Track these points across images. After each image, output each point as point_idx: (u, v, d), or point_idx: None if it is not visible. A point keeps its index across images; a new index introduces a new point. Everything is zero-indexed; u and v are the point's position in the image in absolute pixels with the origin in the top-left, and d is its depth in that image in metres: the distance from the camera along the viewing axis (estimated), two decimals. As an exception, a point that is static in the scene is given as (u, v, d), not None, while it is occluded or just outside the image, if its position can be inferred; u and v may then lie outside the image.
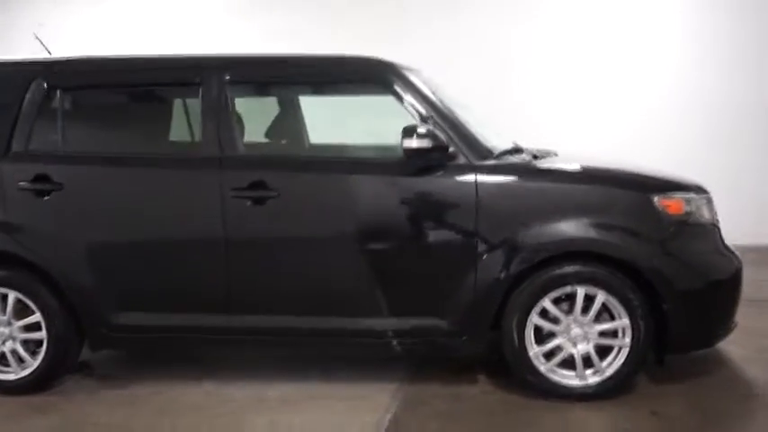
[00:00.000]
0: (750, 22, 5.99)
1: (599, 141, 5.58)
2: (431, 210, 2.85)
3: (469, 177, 2.81)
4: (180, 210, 2.95)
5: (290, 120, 3.67)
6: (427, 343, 2.94)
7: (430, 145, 2.69)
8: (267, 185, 2.85)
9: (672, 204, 2.81)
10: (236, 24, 6.61)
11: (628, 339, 2.81)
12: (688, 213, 2.85)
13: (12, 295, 3.00)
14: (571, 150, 3.38)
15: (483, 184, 2.80)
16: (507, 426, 2.70)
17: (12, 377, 3.07)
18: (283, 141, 3.72)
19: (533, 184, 2.86)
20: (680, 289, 2.77)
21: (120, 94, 3.24)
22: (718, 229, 3.00)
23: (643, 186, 2.86)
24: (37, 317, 3.01)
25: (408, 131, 2.69)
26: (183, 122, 3.23)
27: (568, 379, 2.88)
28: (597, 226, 2.78)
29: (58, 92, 3.01)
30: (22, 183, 2.94)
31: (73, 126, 3.06)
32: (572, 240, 2.78)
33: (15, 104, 2.99)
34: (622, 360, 2.83)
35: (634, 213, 2.81)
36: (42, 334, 3.02)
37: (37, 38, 3.61)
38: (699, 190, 2.96)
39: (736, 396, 2.96)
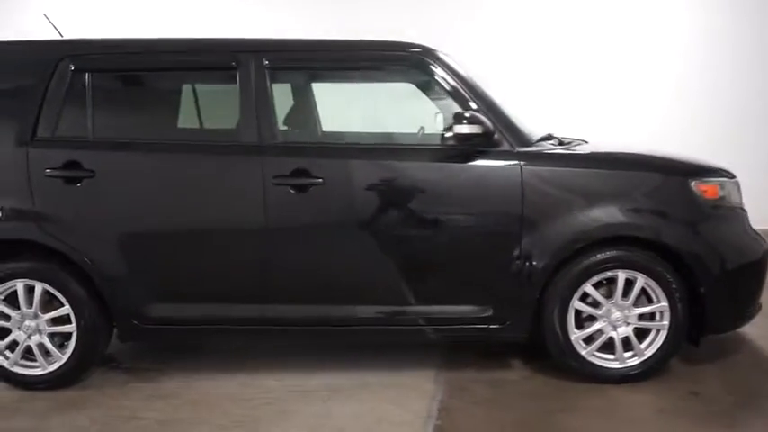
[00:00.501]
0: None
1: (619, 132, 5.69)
2: (478, 196, 2.85)
3: (514, 163, 2.82)
4: (218, 198, 2.86)
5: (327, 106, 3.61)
6: (472, 330, 2.95)
7: (480, 131, 2.70)
8: (310, 173, 2.81)
9: (708, 189, 2.88)
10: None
11: (666, 322, 2.88)
12: (722, 197, 2.92)
13: (39, 287, 2.88)
14: (600, 138, 3.41)
15: (527, 170, 2.81)
16: (554, 409, 2.73)
17: (39, 372, 2.96)
18: (323, 128, 3.66)
19: (575, 171, 2.88)
20: (716, 271, 2.84)
21: (150, 77, 3.11)
22: (746, 212, 3.09)
23: (681, 171, 2.92)
24: (66, 309, 2.90)
25: (459, 117, 2.68)
26: (217, 108, 3.15)
27: (608, 362, 2.93)
28: (638, 211, 2.83)
29: (87, 75, 2.89)
30: (49, 170, 2.83)
31: (103, 111, 2.93)
32: (615, 225, 2.81)
33: (41, 88, 2.86)
34: (660, 342, 2.90)
35: (673, 198, 2.87)
36: (71, 326, 2.92)
37: (48, 19, 3.46)
38: (730, 174, 3.04)
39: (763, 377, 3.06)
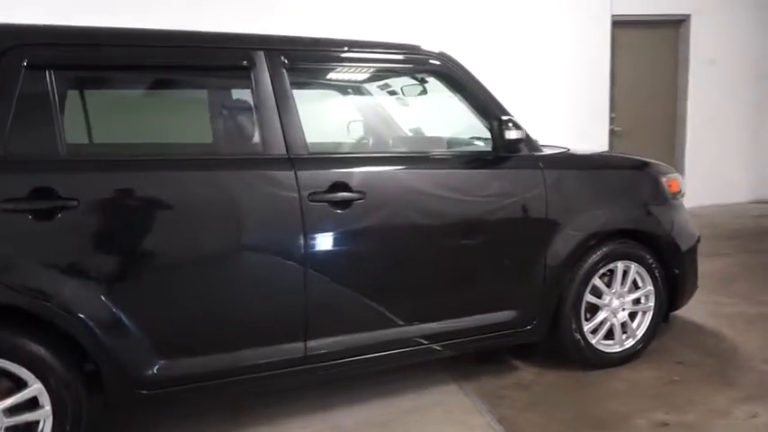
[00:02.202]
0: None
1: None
2: (514, 201, 2.83)
3: (537, 167, 2.88)
4: (247, 222, 2.38)
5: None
6: (502, 336, 2.92)
7: (523, 136, 2.69)
8: (350, 187, 2.50)
9: (672, 183, 3.30)
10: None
11: (651, 303, 3.21)
12: (680, 190, 3.37)
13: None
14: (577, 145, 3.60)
15: (547, 173, 2.90)
16: (591, 397, 2.86)
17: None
18: (351, 137, 3.25)
19: (583, 172, 3.06)
20: (682, 253, 3.27)
21: (133, 77, 2.43)
22: (682, 201, 3.61)
23: (656, 170, 3.29)
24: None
25: (507, 123, 2.65)
26: (222, 115, 2.57)
27: (611, 347, 3.17)
28: (636, 207, 3.13)
29: (49, 72, 2.16)
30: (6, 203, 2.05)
31: (71, 120, 2.22)
32: (620, 220, 3.06)
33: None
34: (647, 323, 3.23)
35: (654, 193, 3.22)
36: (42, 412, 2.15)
37: None
38: (674, 170, 3.51)
39: (727, 340, 3.55)
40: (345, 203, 2.49)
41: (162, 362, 2.31)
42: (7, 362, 2.09)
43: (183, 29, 2.40)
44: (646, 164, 3.31)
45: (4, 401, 2.11)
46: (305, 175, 2.43)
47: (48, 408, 2.16)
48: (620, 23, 7.25)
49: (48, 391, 2.15)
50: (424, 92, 2.99)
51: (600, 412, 2.73)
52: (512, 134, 2.67)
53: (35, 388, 2.13)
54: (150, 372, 2.29)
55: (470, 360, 3.24)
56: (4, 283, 2.04)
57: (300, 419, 2.71)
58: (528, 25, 7.06)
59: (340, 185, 2.48)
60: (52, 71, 2.17)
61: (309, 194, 2.42)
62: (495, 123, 2.74)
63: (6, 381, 2.12)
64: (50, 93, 2.16)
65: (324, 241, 2.48)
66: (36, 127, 2.13)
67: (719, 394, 2.85)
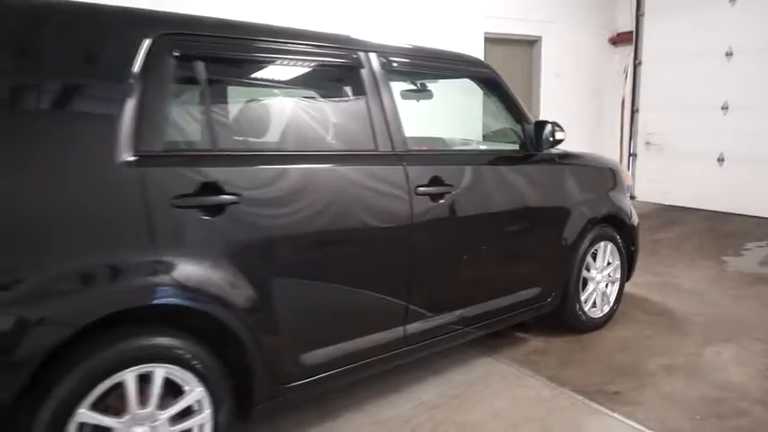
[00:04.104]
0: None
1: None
2: (544, 191, 3.33)
3: (556, 163, 3.41)
4: (360, 215, 2.48)
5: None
6: (529, 310, 3.37)
7: (565, 137, 3.18)
8: (443, 181, 2.75)
9: (626, 177, 4.06)
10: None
11: (618, 275, 3.92)
12: (629, 182, 4.14)
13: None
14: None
15: (563, 168, 3.45)
16: (603, 353, 3.44)
17: None
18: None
19: (583, 168, 3.66)
20: (636, 234, 4.04)
21: (267, 71, 2.36)
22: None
23: (617, 166, 4.00)
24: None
25: (557, 125, 3.11)
26: (335, 112, 2.59)
27: (596, 313, 3.80)
28: (614, 197, 3.80)
29: (198, 63, 2.09)
30: (188, 198, 1.97)
31: (219, 113, 2.15)
32: (607, 208, 3.70)
33: (136, 81, 1.93)
34: (616, 291, 3.93)
35: (621, 186, 3.92)
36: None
37: None
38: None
39: (659, 302, 4.38)
40: (440, 196, 2.73)
41: (302, 355, 2.35)
42: (176, 368, 2.00)
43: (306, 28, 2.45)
44: (614, 162, 4.03)
45: (169, 410, 2.01)
46: (412, 170, 2.63)
47: (208, 412, 2.10)
48: (490, 40, 8.17)
49: (210, 395, 2.09)
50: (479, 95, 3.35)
51: (616, 363, 3.32)
52: (560, 135, 3.15)
53: (198, 392, 2.06)
54: (291, 366, 2.33)
55: (485, 337, 3.64)
56: (177, 283, 1.95)
57: (385, 401, 2.88)
58: (414, 40, 7.62)
59: (436, 180, 2.72)
60: (201, 62, 2.11)
61: (416, 187, 2.63)
62: (527, 125, 3.20)
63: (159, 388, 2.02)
64: (202, 84, 2.10)
65: (425, 231, 2.70)
66: (192, 120, 2.06)
67: (686, 341, 3.63)
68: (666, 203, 8.35)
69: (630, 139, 9.16)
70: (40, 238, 1.73)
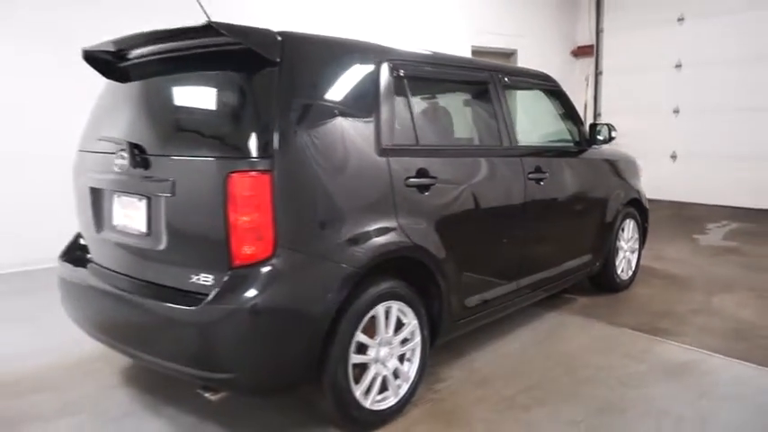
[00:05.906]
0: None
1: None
2: (595, 178, 4.27)
3: (599, 156, 4.35)
4: (503, 194, 3.34)
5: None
6: (583, 273, 4.28)
7: (616, 136, 4.10)
8: (542, 169, 3.60)
9: (641, 168, 5.05)
10: None
11: (637, 246, 4.90)
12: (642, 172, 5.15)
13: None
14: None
15: (605, 161, 4.39)
16: (638, 304, 4.37)
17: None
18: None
19: (615, 160, 4.58)
20: (647, 214, 5.04)
21: (443, 88, 3.19)
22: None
23: (635, 159, 4.98)
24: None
25: (611, 126, 4.03)
26: (474, 118, 3.43)
27: (624, 276, 4.75)
28: (636, 183, 4.77)
29: (405, 81, 2.85)
30: (411, 179, 2.73)
31: (418, 119, 2.96)
32: (633, 193, 4.66)
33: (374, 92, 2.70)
34: (636, 258, 4.91)
35: (638, 174, 4.91)
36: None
37: (200, 4, 2.87)
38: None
39: (659, 269, 5.40)
40: (540, 180, 3.59)
41: (466, 299, 3.13)
42: (404, 305, 2.74)
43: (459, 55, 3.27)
44: (633, 156, 5.02)
45: (399, 335, 2.74)
46: (526, 161, 3.47)
47: (418, 339, 2.84)
48: (476, 52, 9.15)
49: (419, 326, 2.83)
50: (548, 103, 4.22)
51: (654, 310, 4.27)
52: (615, 134, 4.07)
53: (413, 324, 2.80)
54: (461, 308, 3.10)
55: (544, 299, 4.50)
56: (408, 241, 2.70)
57: (499, 341, 3.67)
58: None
59: (538, 168, 3.58)
60: (407, 80, 2.87)
61: (527, 173, 3.47)
62: (581, 126, 4.12)
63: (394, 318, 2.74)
64: (408, 96, 2.86)
65: (532, 208, 3.56)
66: (406, 122, 2.82)
67: (695, 294, 4.65)
68: (628, 195, 9.58)
69: (593, 139, 10.38)
70: (344, 204, 2.46)
